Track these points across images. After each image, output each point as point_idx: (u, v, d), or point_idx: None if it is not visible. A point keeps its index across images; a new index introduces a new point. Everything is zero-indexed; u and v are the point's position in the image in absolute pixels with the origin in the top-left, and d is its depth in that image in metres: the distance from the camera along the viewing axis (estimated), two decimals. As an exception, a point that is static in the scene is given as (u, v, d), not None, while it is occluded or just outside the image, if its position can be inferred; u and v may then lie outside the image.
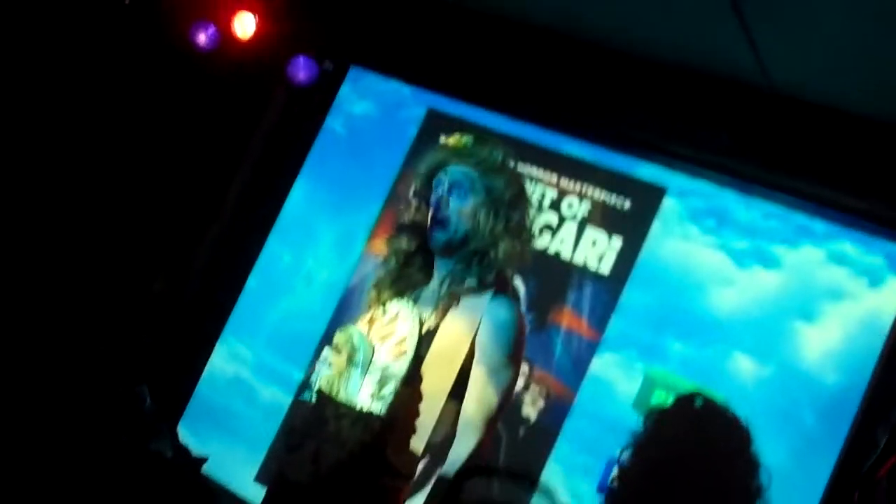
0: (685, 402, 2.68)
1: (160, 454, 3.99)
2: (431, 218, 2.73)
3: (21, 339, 4.66)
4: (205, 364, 5.11)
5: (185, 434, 4.52)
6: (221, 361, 5.09)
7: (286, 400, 4.74)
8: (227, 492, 4.64)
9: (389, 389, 2.60)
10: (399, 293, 2.76)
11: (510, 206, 2.74)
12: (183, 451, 4.22)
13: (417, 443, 2.66)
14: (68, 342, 4.87)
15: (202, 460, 4.25)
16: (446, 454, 2.67)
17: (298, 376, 4.71)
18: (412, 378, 2.63)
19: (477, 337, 2.64)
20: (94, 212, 5.06)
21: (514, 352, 2.66)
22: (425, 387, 2.64)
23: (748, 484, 2.53)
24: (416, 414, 2.63)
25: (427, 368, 2.65)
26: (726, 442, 2.57)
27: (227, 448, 4.80)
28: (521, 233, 2.76)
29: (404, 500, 2.72)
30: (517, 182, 2.82)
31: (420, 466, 4.18)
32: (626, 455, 2.65)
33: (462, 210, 2.72)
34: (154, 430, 4.06)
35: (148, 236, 5.18)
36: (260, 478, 4.66)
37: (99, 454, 3.79)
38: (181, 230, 5.24)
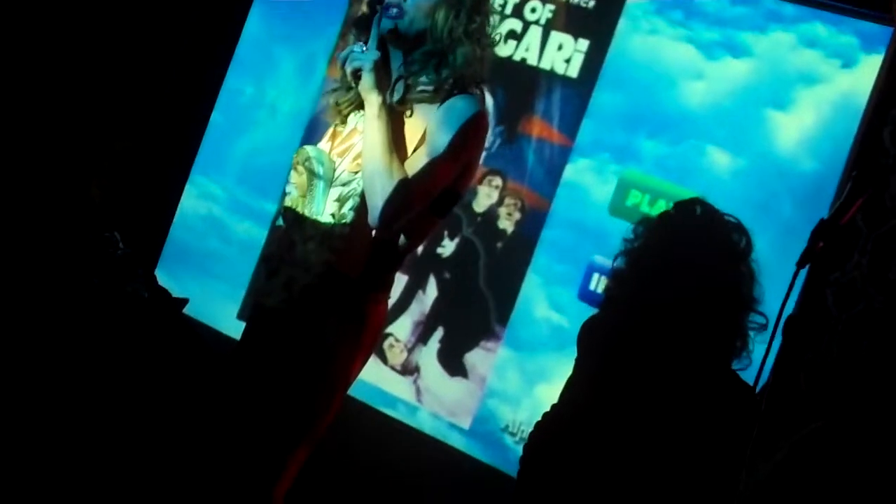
0: (686, 207, 2.61)
1: (137, 294, 3.97)
2: (385, 6, 2.58)
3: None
4: (176, 206, 5.05)
5: (163, 278, 4.49)
6: (193, 201, 5.03)
7: (262, 234, 4.70)
8: (211, 330, 4.64)
9: (350, 206, 2.53)
10: (361, 105, 2.64)
11: (472, 7, 2.60)
12: (162, 293, 4.20)
13: (386, 258, 2.59)
14: (33, 195, 4.79)
15: (183, 301, 4.23)
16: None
17: (272, 209, 4.66)
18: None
19: (427, 127, 2.55)
20: (44, 65, 4.90)
21: (459, 138, 2.51)
22: None
23: (747, 292, 2.50)
24: None
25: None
26: (732, 246, 2.52)
27: (207, 288, 4.78)
28: (482, 39, 2.62)
29: (384, 315, 2.68)
30: None
31: (401, 286, 4.23)
32: (619, 263, 2.59)
33: (420, 3, 2.57)
34: (129, 274, 4.03)
35: (103, 89, 5.04)
36: (242, 315, 4.65)
37: (72, 298, 3.76)
38: (136, 77, 5.10)
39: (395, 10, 2.55)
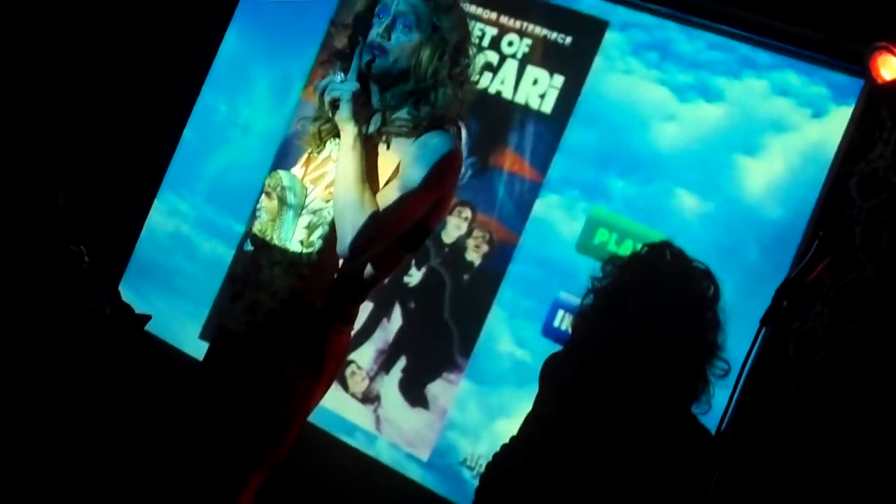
0: (656, 250, 2.62)
1: (99, 311, 3.94)
2: (368, 44, 2.59)
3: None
4: (143, 221, 5.02)
5: (127, 293, 4.45)
6: (160, 217, 5.00)
7: (228, 253, 4.68)
8: (171, 349, 4.61)
9: (319, 234, 2.52)
10: (337, 133, 2.64)
11: (456, 50, 2.61)
12: (125, 309, 4.17)
13: (352, 288, 2.58)
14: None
15: (145, 318, 4.20)
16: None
17: (239, 229, 4.64)
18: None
19: (401, 161, 2.55)
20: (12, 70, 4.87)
21: (433, 174, 2.51)
22: None
23: (712, 339, 2.51)
24: None
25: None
26: (698, 293, 2.53)
27: (170, 306, 4.76)
28: (464, 83, 2.63)
29: (346, 346, 2.67)
30: (465, 26, 2.66)
31: (366, 313, 4.22)
32: (587, 301, 2.60)
33: (404, 44, 2.58)
34: (93, 289, 4.00)
35: (77, 98, 5.01)
36: (204, 335, 4.62)
37: (35, 312, 3.72)
38: (111, 88, 5.08)
39: (377, 51, 2.56)
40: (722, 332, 2.54)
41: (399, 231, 2.54)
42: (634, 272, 2.60)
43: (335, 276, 2.55)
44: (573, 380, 2.55)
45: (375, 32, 2.58)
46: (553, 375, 2.63)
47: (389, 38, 2.57)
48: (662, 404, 2.49)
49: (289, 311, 2.52)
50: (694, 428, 2.50)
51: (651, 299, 2.53)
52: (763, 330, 2.08)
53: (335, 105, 2.53)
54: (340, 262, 2.53)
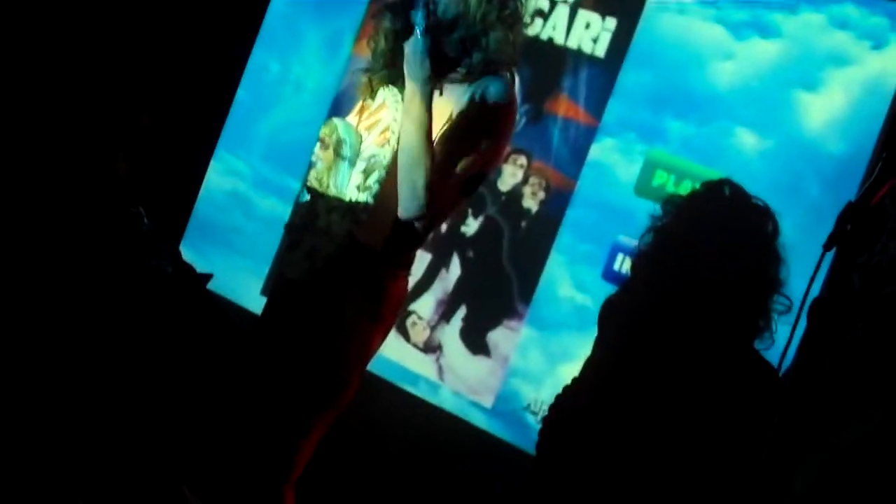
0: (715, 187, 2.60)
1: (161, 270, 3.99)
2: None
3: (17, 169, 4.62)
4: (201, 182, 5.07)
5: (188, 253, 4.51)
6: (217, 177, 5.04)
7: (286, 210, 4.70)
8: (234, 306, 4.66)
9: (375, 179, 2.53)
10: (391, 80, 2.65)
11: None
12: (186, 268, 4.22)
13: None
14: (59, 170, 4.82)
15: (207, 277, 4.25)
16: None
17: (296, 186, 4.67)
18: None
19: (454, 110, 2.54)
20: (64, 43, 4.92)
21: (491, 122, 2.54)
22: None
23: (773, 274, 2.49)
24: None
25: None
26: (758, 229, 2.51)
27: (230, 263, 4.81)
28: (515, 24, 2.62)
29: (404, 291, 2.68)
30: None
31: (424, 264, 4.23)
32: (645, 240, 2.59)
33: None
34: (153, 249, 4.05)
35: (132, 65, 5.05)
36: (265, 291, 4.66)
37: (98, 273, 3.78)
38: (163, 53, 5.11)
39: (426, 8, 2.55)
40: (783, 268, 2.52)
41: (459, 185, 2.55)
42: (692, 210, 2.58)
43: (392, 221, 2.56)
44: (633, 320, 2.54)
45: None
46: (612, 317, 2.62)
47: None
48: (724, 340, 2.48)
49: (346, 255, 2.54)
50: (757, 363, 2.49)
51: (710, 236, 2.51)
52: (827, 257, 2.04)
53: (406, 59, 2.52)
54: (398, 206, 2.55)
